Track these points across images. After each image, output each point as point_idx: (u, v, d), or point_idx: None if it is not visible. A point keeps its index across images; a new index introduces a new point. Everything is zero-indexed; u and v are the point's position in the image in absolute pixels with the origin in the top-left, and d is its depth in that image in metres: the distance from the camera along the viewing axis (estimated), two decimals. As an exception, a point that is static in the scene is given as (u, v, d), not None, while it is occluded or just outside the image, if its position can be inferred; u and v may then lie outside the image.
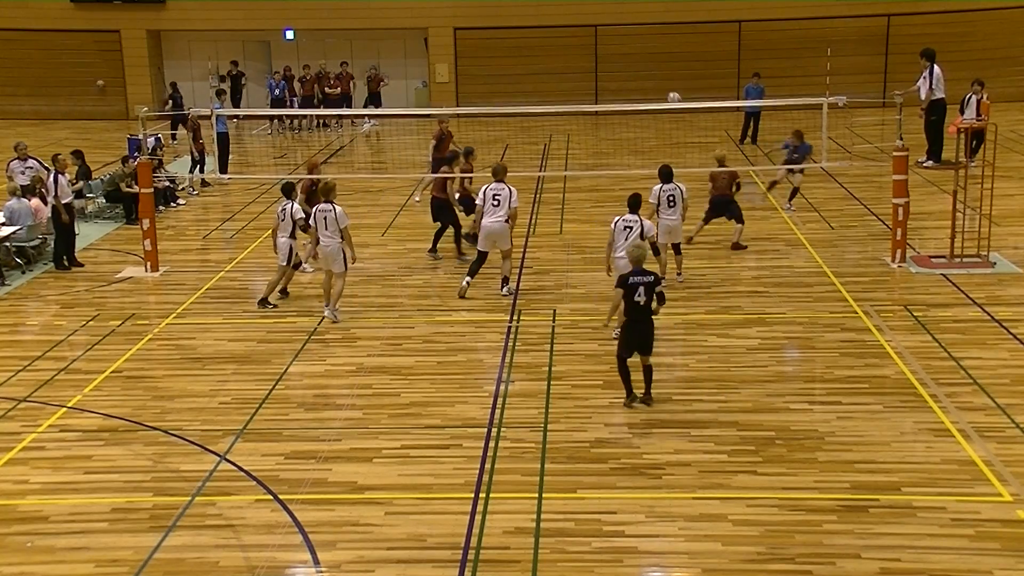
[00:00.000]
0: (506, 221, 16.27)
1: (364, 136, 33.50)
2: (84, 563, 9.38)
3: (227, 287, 17.53)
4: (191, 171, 25.31)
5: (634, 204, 14.53)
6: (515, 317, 15.51)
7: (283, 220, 16.00)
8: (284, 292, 16.61)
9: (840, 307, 15.56)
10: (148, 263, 18.24)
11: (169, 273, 18.31)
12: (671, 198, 16.17)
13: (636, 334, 12.12)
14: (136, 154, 21.54)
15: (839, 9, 34.80)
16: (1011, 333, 14.27)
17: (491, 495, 10.36)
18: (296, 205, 16.13)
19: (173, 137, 30.96)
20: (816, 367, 13.46)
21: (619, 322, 12.39)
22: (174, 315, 16.09)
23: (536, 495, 10.33)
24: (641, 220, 14.41)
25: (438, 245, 18.61)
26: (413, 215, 22.04)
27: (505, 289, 16.46)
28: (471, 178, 18.92)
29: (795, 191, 21.22)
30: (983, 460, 10.77)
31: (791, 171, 20.92)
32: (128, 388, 13.35)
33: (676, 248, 16.54)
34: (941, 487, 10.28)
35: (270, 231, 16.79)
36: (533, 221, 21.13)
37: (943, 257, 17.43)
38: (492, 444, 11.43)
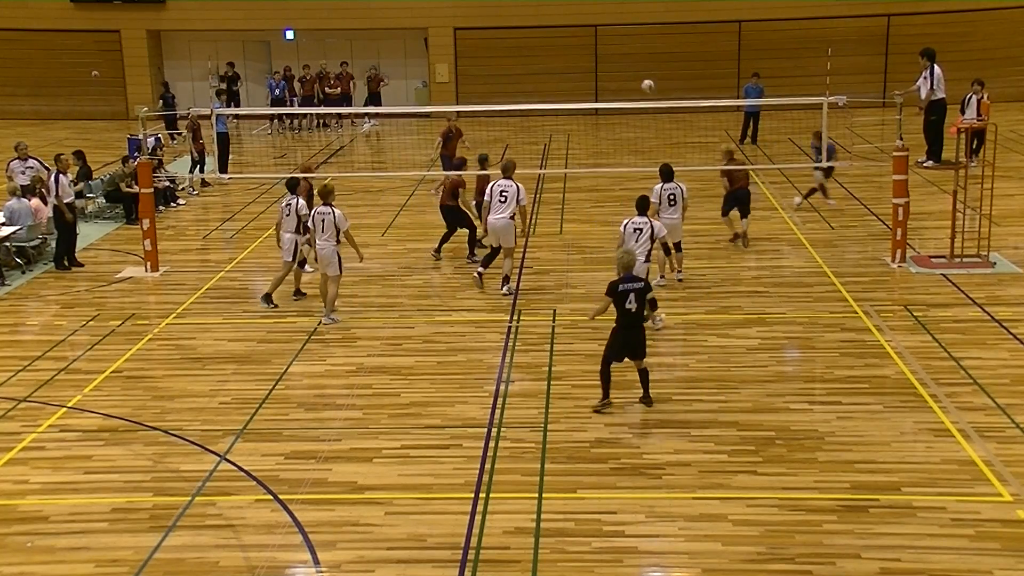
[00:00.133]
0: (511, 218, 16.34)
1: (364, 136, 33.51)
2: (84, 563, 9.38)
3: (227, 287, 17.53)
4: (191, 171, 25.32)
5: (642, 206, 14.59)
6: (515, 317, 15.51)
7: (287, 216, 15.95)
8: (299, 293, 16.52)
9: (840, 307, 15.56)
10: (148, 263, 18.24)
11: (169, 273, 18.31)
12: (672, 197, 16.19)
13: (627, 340, 12.06)
14: (136, 154, 21.54)
15: (839, 9, 34.81)
16: (1011, 333, 14.27)
17: (491, 495, 10.36)
18: (302, 200, 16.06)
19: (172, 138, 30.91)
20: (816, 367, 13.46)
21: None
22: (174, 315, 16.09)
23: (536, 495, 10.33)
24: (651, 221, 14.45)
25: (443, 247, 18.61)
26: (413, 215, 22.05)
27: (505, 288, 16.48)
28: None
29: (813, 190, 21.11)
30: (983, 460, 10.77)
31: (818, 170, 20.83)
32: (128, 388, 13.35)
33: (677, 247, 16.55)
34: (941, 487, 10.29)
35: (275, 226, 16.79)
36: (533, 221, 21.12)
37: (943, 257, 17.43)
38: (492, 444, 11.43)
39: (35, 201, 19.10)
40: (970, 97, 24.22)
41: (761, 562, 9.15)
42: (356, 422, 12.17)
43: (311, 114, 33.61)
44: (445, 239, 18.57)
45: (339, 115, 34.23)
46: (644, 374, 12.27)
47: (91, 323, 15.76)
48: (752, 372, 13.27)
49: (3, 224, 18.61)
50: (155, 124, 30.60)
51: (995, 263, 17.20)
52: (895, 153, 17.60)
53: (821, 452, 11.08)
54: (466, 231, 18.42)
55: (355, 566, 9.25)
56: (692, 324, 15.01)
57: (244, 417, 12.32)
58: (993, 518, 9.72)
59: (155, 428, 12.11)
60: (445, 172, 19.83)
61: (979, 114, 23.24)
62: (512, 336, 14.77)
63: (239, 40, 37.03)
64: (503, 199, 16.39)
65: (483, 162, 18.51)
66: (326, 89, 33.63)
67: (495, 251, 16.69)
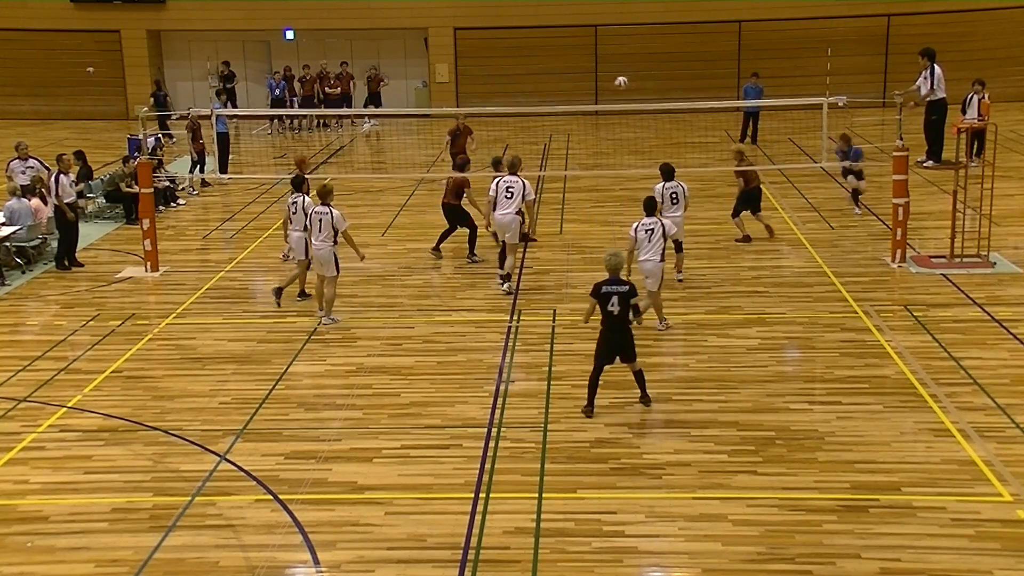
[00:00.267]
0: (517, 214, 16.39)
1: (364, 136, 33.51)
2: (84, 563, 9.38)
3: (227, 287, 17.53)
4: (191, 171, 25.32)
5: (650, 207, 14.62)
6: (515, 317, 15.51)
7: (295, 214, 15.91)
8: (303, 294, 16.49)
9: (840, 307, 15.56)
10: (148, 263, 18.24)
11: (169, 273, 18.31)
12: (674, 195, 16.20)
13: (611, 344, 12.01)
14: (136, 154, 21.54)
15: (839, 9, 34.81)
16: (1011, 333, 14.27)
17: (491, 495, 10.36)
18: (309, 199, 15.98)
19: (170, 137, 30.84)
20: (816, 367, 13.46)
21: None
22: (174, 315, 16.09)
23: (536, 495, 10.33)
24: (661, 221, 14.47)
25: (441, 245, 18.64)
26: (413, 215, 22.05)
27: (506, 286, 16.49)
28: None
29: (855, 193, 21.02)
30: (983, 460, 10.77)
31: (847, 175, 20.78)
32: (128, 388, 13.35)
33: (678, 246, 16.55)
34: (941, 487, 10.29)
35: (281, 223, 16.78)
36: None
37: (943, 257, 17.43)
38: (492, 444, 11.43)
39: (35, 201, 19.11)
40: (971, 97, 24.22)
41: (761, 562, 9.15)
42: (356, 422, 12.17)
43: (311, 114, 33.60)
44: (444, 236, 18.59)
45: (339, 115, 34.21)
46: (639, 376, 12.24)
47: (91, 323, 15.76)
48: (752, 372, 13.27)
49: (3, 224, 18.61)
50: (154, 124, 30.58)
51: (995, 263, 17.20)
52: (895, 153, 17.60)
53: (821, 452, 11.08)
54: (466, 230, 18.42)
55: (355, 566, 9.25)
56: (692, 324, 15.01)
57: (244, 417, 12.32)
58: (993, 518, 9.72)
59: (155, 428, 12.11)
60: (452, 173, 19.82)
61: (980, 114, 23.24)
62: (512, 336, 14.77)
63: (239, 40, 37.02)
64: (509, 195, 16.49)
65: (497, 165, 18.41)
66: (326, 89, 33.61)
67: (503, 251, 16.75)
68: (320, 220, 15.18)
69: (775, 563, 9.13)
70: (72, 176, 20.11)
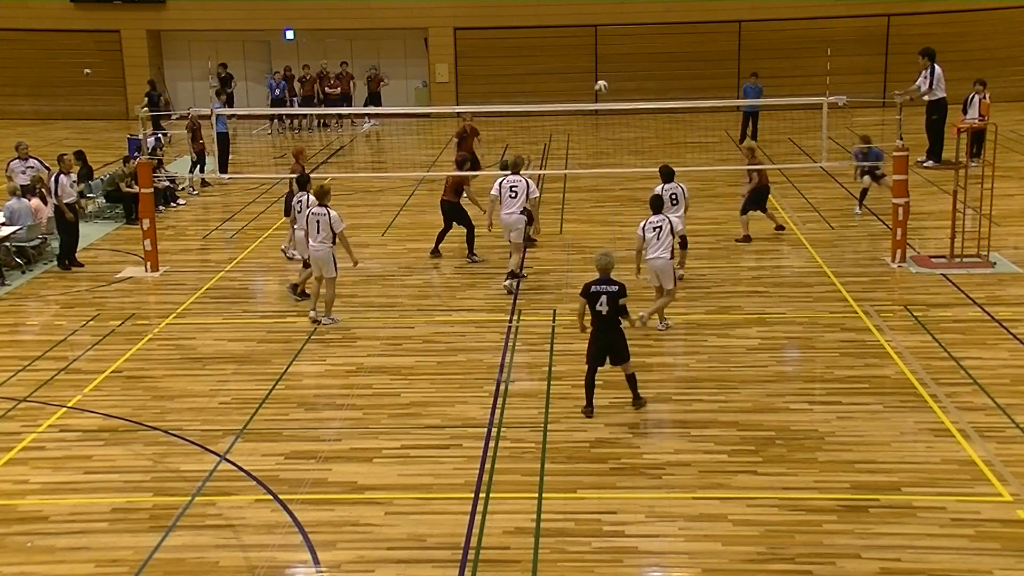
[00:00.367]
0: (522, 213, 16.42)
1: (364, 136, 33.51)
2: (84, 563, 9.38)
3: (227, 287, 17.53)
4: (191, 171, 25.32)
5: (657, 205, 14.67)
6: (515, 317, 15.51)
7: (300, 212, 15.89)
8: (303, 295, 16.47)
9: (840, 307, 15.56)
10: (148, 263, 18.24)
11: (169, 273, 18.31)
12: (673, 197, 16.19)
13: (601, 344, 11.93)
14: (136, 154, 21.54)
15: (839, 9, 34.80)
16: (1011, 333, 14.27)
17: (491, 495, 10.36)
18: (313, 196, 15.94)
19: (164, 134, 30.67)
20: (816, 367, 13.46)
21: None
22: (174, 315, 16.09)
23: (536, 495, 10.33)
24: (668, 218, 14.50)
25: (440, 246, 18.63)
26: (413, 215, 22.04)
27: (509, 282, 16.50)
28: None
29: (864, 192, 20.93)
30: (983, 460, 10.77)
31: (863, 175, 20.60)
32: (128, 388, 13.35)
33: (683, 242, 16.54)
34: (941, 487, 10.29)
35: (289, 220, 16.76)
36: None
37: (943, 257, 17.43)
38: (492, 444, 11.43)
39: (35, 201, 19.11)
40: (973, 97, 24.21)
41: (761, 562, 9.15)
42: (356, 422, 12.17)
43: (311, 114, 33.59)
44: (440, 237, 18.60)
45: (339, 115, 34.21)
46: (631, 379, 12.10)
47: (91, 323, 15.76)
48: (752, 372, 13.27)
49: (3, 224, 18.61)
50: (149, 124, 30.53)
51: (995, 263, 17.20)
52: (895, 153, 17.60)
53: (821, 452, 11.08)
54: (463, 230, 18.42)
55: (355, 566, 9.25)
56: (692, 324, 15.01)
57: (244, 417, 12.32)
58: (993, 518, 9.72)
59: (155, 428, 12.11)
60: (454, 172, 19.80)
61: (980, 114, 23.23)
62: (512, 336, 14.77)
63: (239, 40, 37.02)
64: (513, 195, 16.54)
65: (505, 167, 18.34)
66: (326, 89, 33.61)
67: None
68: (318, 221, 15.14)
69: (775, 563, 9.13)
70: (73, 176, 20.12)
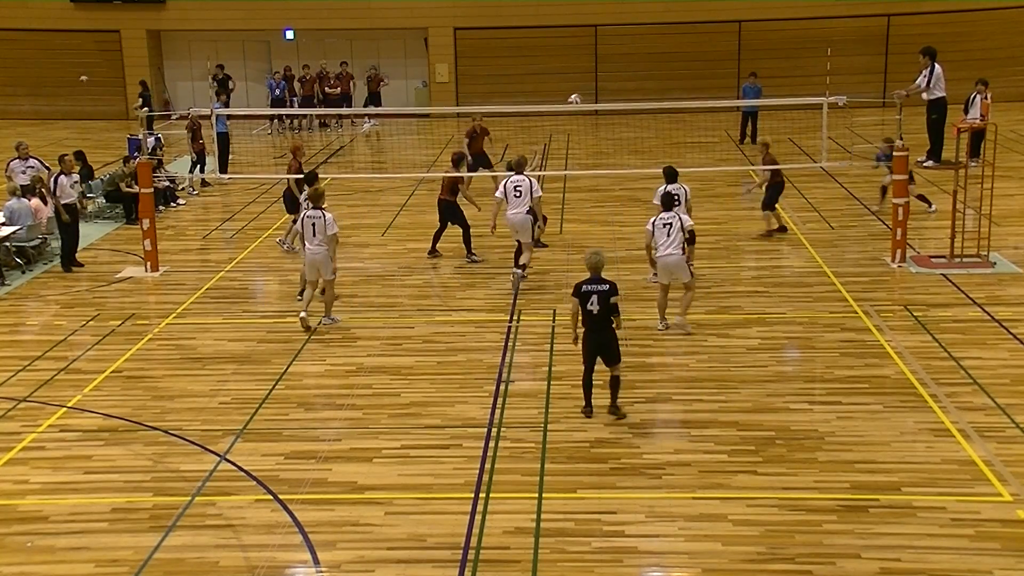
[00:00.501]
0: (528, 212, 16.43)
1: (364, 136, 33.51)
2: (84, 563, 9.38)
3: (227, 287, 17.53)
4: (191, 171, 25.31)
5: (667, 203, 14.76)
6: (515, 317, 15.51)
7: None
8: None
9: (840, 307, 15.56)
10: (148, 263, 18.24)
11: (169, 273, 18.31)
12: (676, 198, 16.20)
13: (592, 344, 11.87)
14: (136, 154, 21.53)
15: (839, 9, 34.80)
16: (1011, 333, 14.27)
17: (491, 495, 10.36)
18: (309, 199, 15.91)
19: (158, 140, 30.49)
20: (816, 367, 13.46)
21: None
22: (174, 315, 16.09)
23: (536, 495, 10.33)
24: (679, 215, 14.53)
25: (437, 245, 18.64)
26: (413, 215, 22.04)
27: (519, 270, 16.53)
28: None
29: (884, 189, 20.88)
30: (983, 460, 10.77)
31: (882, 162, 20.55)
32: (128, 388, 13.35)
33: (691, 237, 16.53)
34: (941, 487, 10.29)
35: (294, 218, 16.75)
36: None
37: (943, 257, 17.43)
38: (492, 444, 11.43)
39: (35, 201, 19.11)
40: (974, 96, 24.20)
41: (761, 562, 9.15)
42: (356, 422, 12.17)
43: (311, 114, 33.58)
44: (437, 237, 18.61)
45: (339, 115, 34.20)
46: (614, 382, 11.95)
47: (91, 323, 15.76)
48: (752, 372, 13.27)
49: (3, 224, 18.61)
50: (157, 125, 30.55)
51: (995, 263, 17.20)
52: (895, 153, 17.60)
53: (821, 452, 11.08)
54: (459, 229, 18.43)
55: (355, 566, 9.25)
56: (692, 324, 14.99)
57: (244, 417, 12.32)
58: (993, 518, 9.72)
59: (155, 428, 12.11)
60: (471, 172, 19.86)
61: (981, 114, 23.21)
62: (512, 336, 14.77)
63: (239, 40, 37.01)
64: (518, 194, 16.59)
65: (511, 168, 18.33)
66: (326, 89, 33.60)
67: (519, 250, 16.84)
68: (313, 224, 15.10)
69: (775, 563, 9.13)
70: (75, 177, 20.12)
